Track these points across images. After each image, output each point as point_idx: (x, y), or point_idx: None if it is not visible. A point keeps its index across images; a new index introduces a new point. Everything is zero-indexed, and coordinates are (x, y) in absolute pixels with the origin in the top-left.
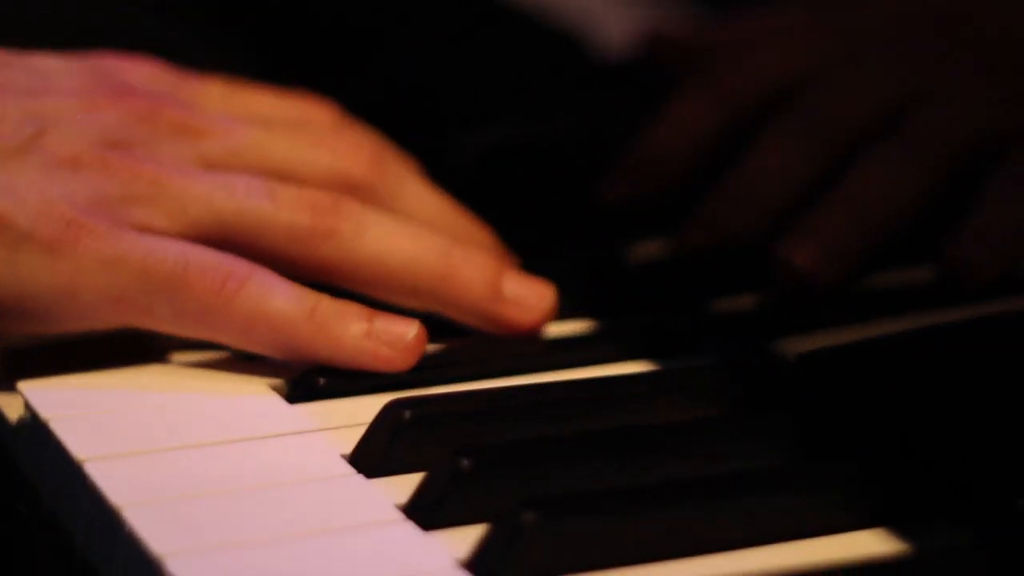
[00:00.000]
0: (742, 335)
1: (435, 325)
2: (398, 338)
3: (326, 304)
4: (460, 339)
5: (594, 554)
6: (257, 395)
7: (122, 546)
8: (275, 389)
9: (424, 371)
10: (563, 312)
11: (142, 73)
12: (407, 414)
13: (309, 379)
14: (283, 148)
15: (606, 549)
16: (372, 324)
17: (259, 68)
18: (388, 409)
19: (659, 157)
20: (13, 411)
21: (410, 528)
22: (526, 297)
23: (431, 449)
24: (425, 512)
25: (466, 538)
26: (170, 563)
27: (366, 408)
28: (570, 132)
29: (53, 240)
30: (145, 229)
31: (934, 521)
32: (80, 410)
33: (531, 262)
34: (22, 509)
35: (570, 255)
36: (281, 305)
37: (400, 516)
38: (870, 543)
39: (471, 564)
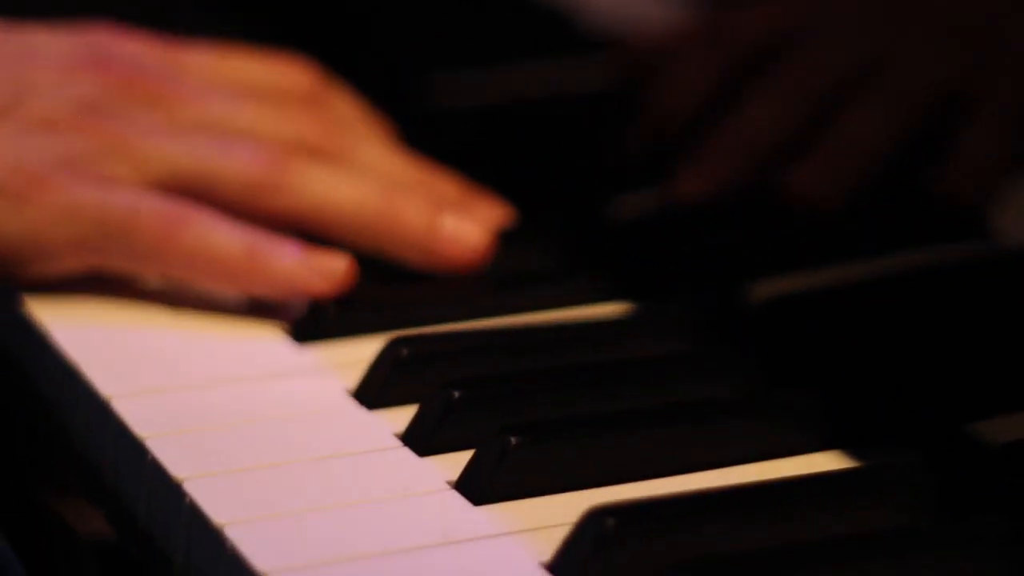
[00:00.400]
0: (715, 280)
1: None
2: (329, 269)
3: (263, 239)
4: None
5: (570, 474)
6: (269, 337)
7: (148, 471)
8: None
9: (421, 310)
10: (556, 263)
11: (129, 45)
12: (404, 351)
13: (314, 319)
14: (248, 118)
15: (581, 470)
16: (305, 257)
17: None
18: (389, 347)
19: (666, 111)
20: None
21: (407, 454)
22: (464, 235)
23: (426, 383)
24: (420, 439)
25: (457, 462)
26: (189, 486)
27: (368, 347)
28: (554, 98)
29: (21, 192)
30: (108, 181)
31: (887, 446)
32: (107, 351)
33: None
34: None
35: (557, 210)
36: (222, 241)
37: (398, 443)
38: (825, 463)
39: (461, 484)
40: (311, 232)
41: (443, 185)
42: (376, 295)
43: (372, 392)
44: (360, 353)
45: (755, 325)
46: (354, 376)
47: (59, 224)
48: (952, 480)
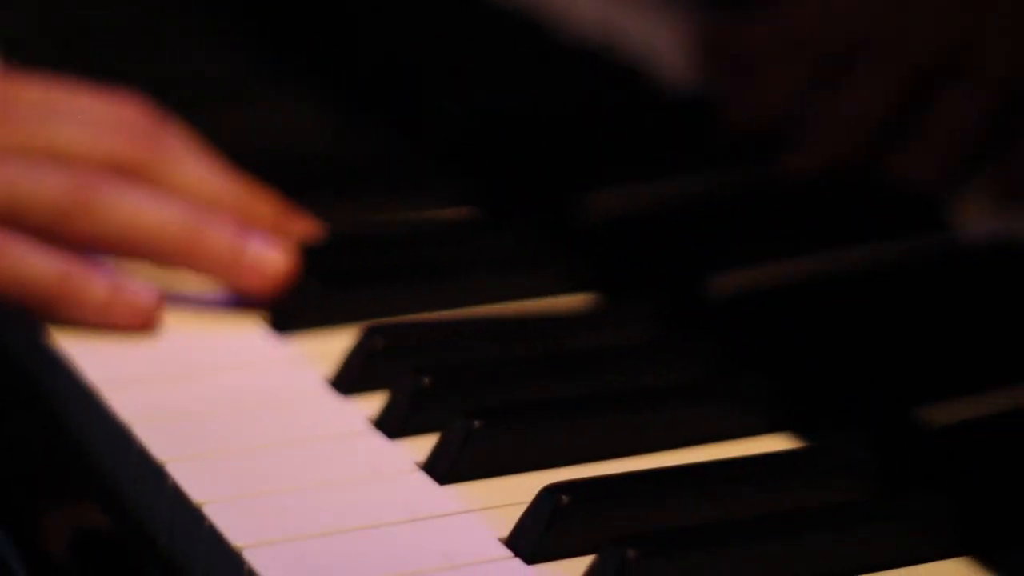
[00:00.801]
0: (677, 274)
1: None
2: (137, 303)
3: (77, 268)
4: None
5: (531, 456)
6: (250, 328)
7: (134, 455)
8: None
9: (394, 300)
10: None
11: None
12: (379, 341)
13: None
14: (65, 136)
15: (541, 451)
16: (116, 288)
17: (252, 51)
18: (363, 336)
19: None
20: None
21: (378, 437)
22: (266, 262)
23: (399, 370)
24: (390, 424)
25: (425, 445)
26: (172, 468)
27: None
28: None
29: None
30: None
31: (834, 429)
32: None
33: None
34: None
35: (529, 204)
36: (34, 269)
37: (370, 428)
38: (773, 445)
39: (427, 465)
40: (122, 254)
41: (260, 206)
42: (352, 287)
43: (347, 380)
44: (335, 342)
45: (713, 316)
46: (330, 364)
47: None
48: (891, 460)
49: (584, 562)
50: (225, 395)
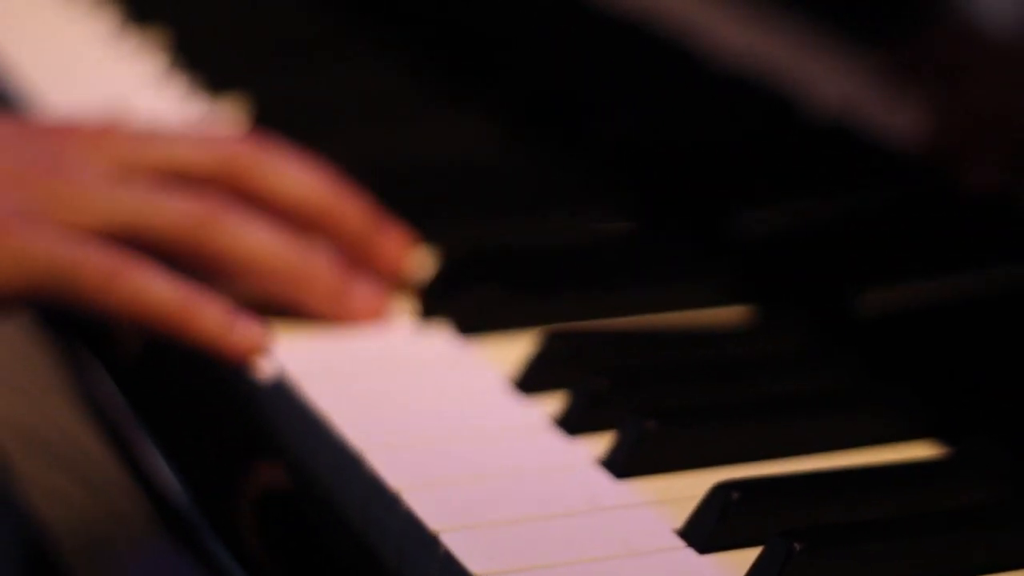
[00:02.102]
0: (824, 291)
1: None
2: (248, 336)
3: (196, 294)
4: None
5: (699, 455)
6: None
7: (333, 443)
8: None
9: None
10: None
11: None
12: (560, 345)
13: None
14: (178, 148)
15: (708, 451)
16: (231, 318)
17: (406, 69)
18: (545, 339)
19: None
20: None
21: (558, 435)
22: (364, 300)
23: (575, 372)
24: (570, 422)
25: (601, 443)
26: (370, 456)
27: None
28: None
29: None
30: (58, 228)
31: (981, 436)
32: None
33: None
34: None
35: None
36: (158, 292)
37: (550, 426)
38: (920, 451)
39: (605, 461)
40: (234, 278)
41: (352, 213)
42: (528, 294)
43: (528, 380)
44: (513, 346)
45: (862, 328)
46: (509, 366)
47: (13, 267)
48: None
49: (752, 553)
50: (416, 391)
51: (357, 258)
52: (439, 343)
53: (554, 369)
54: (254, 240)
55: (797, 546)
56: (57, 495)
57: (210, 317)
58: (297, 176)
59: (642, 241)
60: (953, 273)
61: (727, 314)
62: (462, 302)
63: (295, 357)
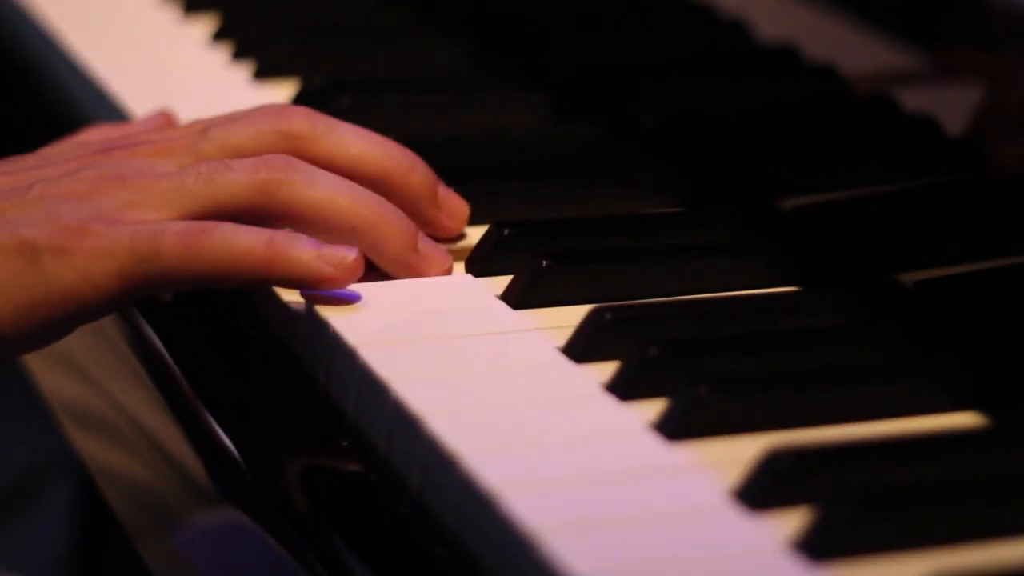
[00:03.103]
0: (874, 268)
1: None
2: (341, 259)
3: (280, 234)
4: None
5: (749, 420)
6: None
7: (389, 407)
8: None
9: (618, 285)
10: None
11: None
12: (608, 316)
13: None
14: (232, 132)
15: (758, 417)
16: (320, 248)
17: (460, 50)
18: (593, 313)
19: None
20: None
21: (610, 400)
22: (433, 256)
23: (624, 342)
24: (621, 388)
25: (650, 408)
26: (430, 419)
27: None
28: (729, 107)
29: (64, 245)
30: (136, 221)
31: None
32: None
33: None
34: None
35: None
36: (243, 239)
37: (602, 391)
38: (963, 421)
39: (659, 425)
40: (311, 231)
41: (414, 178)
42: (577, 268)
43: (579, 349)
44: (562, 316)
45: (905, 304)
46: (563, 336)
47: (101, 262)
48: None
49: (802, 511)
50: (475, 358)
51: (418, 220)
52: (496, 313)
53: (603, 338)
54: (326, 192)
55: (846, 508)
56: (111, 466)
57: (300, 249)
58: (356, 139)
59: (687, 220)
60: (992, 252)
61: (772, 292)
62: (515, 274)
63: (348, 325)
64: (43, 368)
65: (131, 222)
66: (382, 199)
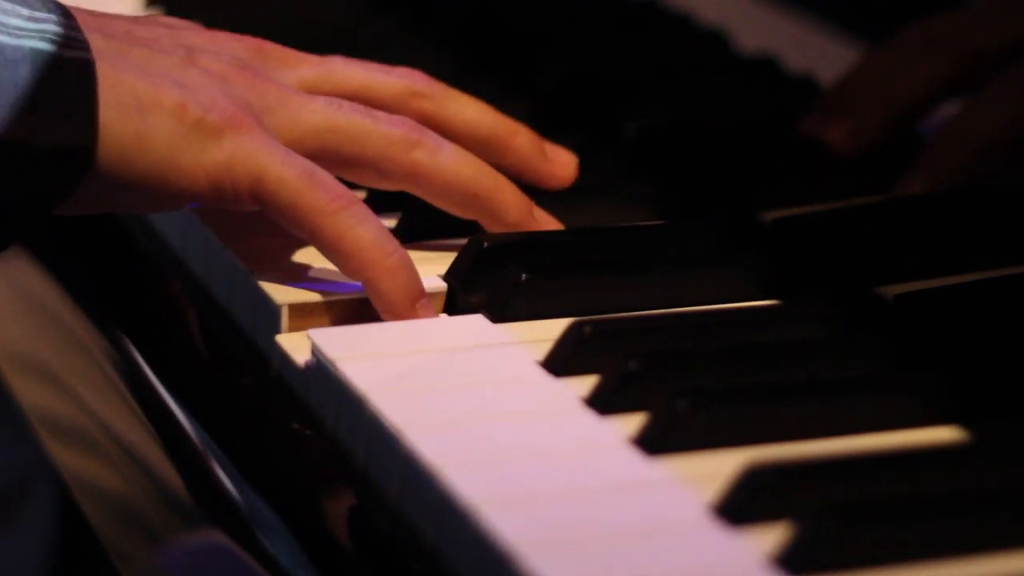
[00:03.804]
0: (855, 280)
1: None
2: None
3: (402, 251)
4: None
5: (728, 435)
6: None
7: (366, 421)
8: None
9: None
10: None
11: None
12: (587, 330)
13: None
14: (360, 71)
15: (737, 431)
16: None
17: (447, 59)
18: (573, 327)
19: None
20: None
21: (590, 414)
22: (546, 220)
23: (604, 356)
24: (601, 402)
25: (631, 422)
26: (409, 432)
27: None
28: (712, 118)
29: (221, 126)
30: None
31: (1001, 422)
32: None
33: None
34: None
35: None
36: (366, 234)
37: (582, 406)
38: (942, 435)
39: (638, 439)
40: (431, 197)
41: (520, 138)
42: (558, 281)
43: (558, 363)
44: (541, 330)
45: (885, 318)
46: (542, 350)
47: (247, 161)
48: None
49: (782, 526)
50: (453, 371)
51: (532, 176)
52: (474, 326)
53: (582, 352)
54: (451, 160)
55: (829, 521)
56: (89, 480)
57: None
58: (469, 102)
59: (669, 232)
60: (978, 265)
61: (753, 304)
62: (494, 287)
63: (328, 339)
64: (20, 380)
65: (271, 132)
66: (496, 171)
